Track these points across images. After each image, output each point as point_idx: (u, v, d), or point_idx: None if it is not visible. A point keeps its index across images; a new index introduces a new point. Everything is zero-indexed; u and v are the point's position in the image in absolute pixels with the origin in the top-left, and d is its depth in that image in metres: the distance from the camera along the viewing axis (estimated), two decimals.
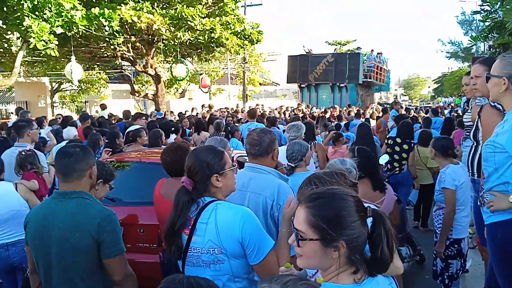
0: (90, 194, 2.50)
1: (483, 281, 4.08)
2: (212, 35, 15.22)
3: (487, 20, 6.43)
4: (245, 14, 25.74)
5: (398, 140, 6.64)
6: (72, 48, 12.95)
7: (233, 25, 16.50)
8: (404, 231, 5.02)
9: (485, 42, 10.68)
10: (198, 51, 17.98)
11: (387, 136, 7.10)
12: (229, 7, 16.28)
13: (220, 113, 14.45)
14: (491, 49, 7.47)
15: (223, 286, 2.11)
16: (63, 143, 6.22)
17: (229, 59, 30.96)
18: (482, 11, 6.52)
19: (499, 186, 2.66)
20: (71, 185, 2.42)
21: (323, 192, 1.53)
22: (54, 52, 11.58)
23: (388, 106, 16.92)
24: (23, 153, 4.38)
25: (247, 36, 17.06)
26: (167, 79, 20.07)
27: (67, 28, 11.84)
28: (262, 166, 2.88)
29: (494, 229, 2.74)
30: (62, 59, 16.00)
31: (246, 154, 3.18)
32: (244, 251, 2.10)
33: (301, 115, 14.44)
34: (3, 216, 3.62)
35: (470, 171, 3.60)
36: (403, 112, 13.46)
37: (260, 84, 37.49)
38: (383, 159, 5.74)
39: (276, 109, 18.86)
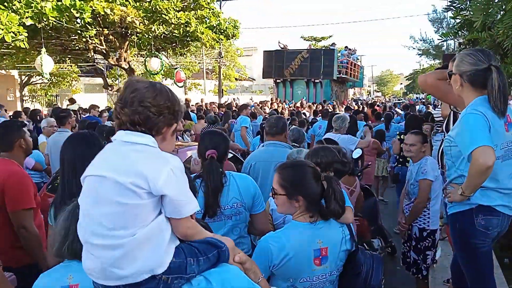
0: None
1: None
2: (187, 29, 15.06)
3: (457, 17, 6.56)
4: (220, 8, 25.55)
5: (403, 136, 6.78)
6: (42, 41, 12.61)
7: (208, 19, 16.37)
8: (376, 224, 5.12)
9: (455, 40, 10.91)
10: (173, 45, 17.77)
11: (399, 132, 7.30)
12: (205, 1, 16.13)
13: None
14: (461, 46, 7.65)
15: (241, 231, 2.72)
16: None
17: (205, 54, 30.73)
18: (452, 8, 6.64)
19: (457, 179, 2.76)
20: None
21: (290, 163, 2.36)
22: (24, 44, 11.26)
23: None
24: None
25: (222, 31, 16.95)
26: (141, 73, 19.79)
27: (37, 19, 11.54)
28: (278, 142, 3.97)
29: (454, 220, 2.85)
30: (32, 52, 15.58)
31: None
32: (253, 204, 2.73)
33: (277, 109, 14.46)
34: None
35: (440, 164, 3.69)
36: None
37: (236, 79, 37.37)
38: (357, 153, 5.84)
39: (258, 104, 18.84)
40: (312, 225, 2.15)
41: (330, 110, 13.44)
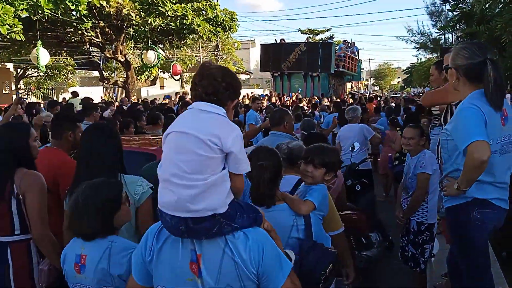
0: None
1: None
2: (184, 21, 14.99)
3: (455, 10, 6.54)
4: (217, 0, 25.41)
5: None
6: (38, 33, 12.51)
7: (205, 11, 16.27)
8: (374, 218, 5.12)
9: (453, 33, 10.89)
10: (170, 37, 17.71)
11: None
12: None
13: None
14: (459, 39, 7.64)
15: None
16: None
17: (202, 47, 30.61)
18: (450, 1, 6.61)
19: (453, 172, 2.75)
20: None
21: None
22: (20, 36, 11.17)
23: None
24: None
25: (219, 23, 16.86)
26: (138, 66, 19.70)
27: (32, 11, 11.46)
28: (278, 132, 4.29)
29: (450, 213, 2.85)
30: (28, 44, 15.48)
31: None
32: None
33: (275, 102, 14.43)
34: None
35: (439, 157, 3.68)
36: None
37: None
38: (356, 146, 5.83)
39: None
40: (266, 208, 2.31)
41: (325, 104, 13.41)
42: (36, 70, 24.32)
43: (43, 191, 2.67)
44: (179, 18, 14.90)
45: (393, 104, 14.49)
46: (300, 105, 14.52)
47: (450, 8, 6.70)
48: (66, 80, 28.39)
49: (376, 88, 71.55)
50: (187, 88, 29.00)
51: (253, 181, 2.30)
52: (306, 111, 12.51)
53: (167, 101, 15.26)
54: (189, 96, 14.55)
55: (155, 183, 2.95)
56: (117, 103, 13.79)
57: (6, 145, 2.67)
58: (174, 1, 14.83)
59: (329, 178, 2.64)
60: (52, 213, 2.91)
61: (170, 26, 15.46)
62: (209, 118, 1.70)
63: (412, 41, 25.47)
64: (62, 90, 28.26)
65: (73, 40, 17.29)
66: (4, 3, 10.46)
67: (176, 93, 18.45)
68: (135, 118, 6.94)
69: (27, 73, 27.31)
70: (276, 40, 27.86)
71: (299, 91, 22.48)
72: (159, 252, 1.74)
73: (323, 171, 2.58)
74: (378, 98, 22.79)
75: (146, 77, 21.52)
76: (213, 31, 16.70)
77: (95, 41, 16.64)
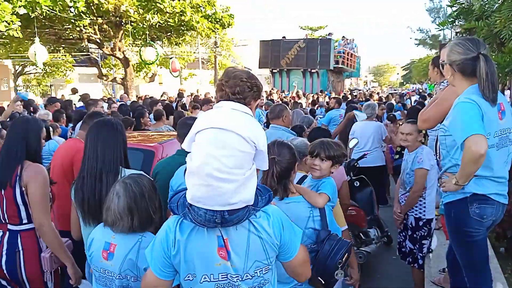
0: None
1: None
2: (182, 18, 14.96)
3: (454, 5, 6.54)
4: None
5: None
6: (36, 30, 12.48)
7: (203, 8, 16.23)
8: (373, 214, 5.13)
9: (452, 29, 10.88)
10: (168, 34, 17.65)
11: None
12: None
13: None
14: (458, 35, 7.64)
15: None
16: None
17: (200, 43, 30.54)
18: None
19: (452, 168, 2.76)
20: None
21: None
22: (17, 33, 11.14)
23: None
24: None
25: (218, 20, 16.81)
26: (136, 63, 19.65)
27: (30, 8, 11.42)
28: (277, 125, 4.68)
29: (448, 209, 2.85)
30: (26, 41, 15.44)
31: None
32: None
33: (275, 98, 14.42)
34: None
35: (437, 153, 3.69)
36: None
37: None
38: (353, 143, 5.82)
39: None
40: (280, 200, 2.41)
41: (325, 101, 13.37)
42: (34, 67, 24.28)
43: (45, 182, 2.76)
44: (177, 15, 14.86)
45: (394, 100, 14.48)
46: (299, 101, 14.50)
47: (449, 4, 6.70)
48: (64, 77, 28.33)
49: (375, 84, 71.54)
50: (186, 84, 28.94)
51: (263, 172, 2.36)
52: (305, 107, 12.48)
53: (165, 96, 15.24)
54: (187, 93, 14.42)
55: (168, 178, 2.99)
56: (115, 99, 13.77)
57: (22, 135, 2.81)
58: None
59: (335, 170, 2.78)
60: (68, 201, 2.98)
61: (168, 23, 15.41)
62: (243, 117, 1.78)
63: (411, 38, 25.48)
64: (60, 87, 28.18)
65: (71, 37, 17.23)
66: (2, 0, 10.42)
67: (179, 90, 18.40)
68: (139, 115, 6.89)
69: (25, 70, 27.25)
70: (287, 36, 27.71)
71: (295, 86, 22.43)
72: (186, 243, 1.77)
73: (329, 163, 2.74)
74: (377, 95, 22.76)
75: (145, 74, 21.49)
76: (212, 28, 16.66)
77: (93, 38, 16.58)
